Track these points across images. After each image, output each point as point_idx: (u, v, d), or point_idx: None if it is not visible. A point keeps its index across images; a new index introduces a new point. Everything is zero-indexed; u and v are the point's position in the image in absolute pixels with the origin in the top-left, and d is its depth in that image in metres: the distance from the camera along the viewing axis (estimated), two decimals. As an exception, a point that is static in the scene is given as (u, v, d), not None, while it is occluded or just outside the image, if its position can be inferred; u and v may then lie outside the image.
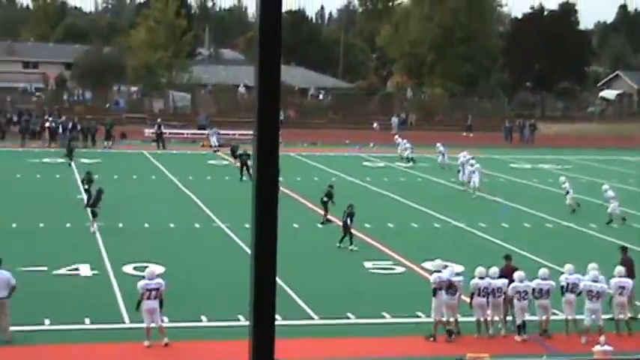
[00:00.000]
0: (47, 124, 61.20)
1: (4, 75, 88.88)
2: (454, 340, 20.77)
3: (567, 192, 39.41)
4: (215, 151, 58.47)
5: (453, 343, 20.68)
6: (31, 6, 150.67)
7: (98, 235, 30.85)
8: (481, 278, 21.37)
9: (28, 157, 53.21)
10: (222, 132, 64.20)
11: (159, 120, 65.38)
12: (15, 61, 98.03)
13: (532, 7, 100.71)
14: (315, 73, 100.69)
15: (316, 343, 20.44)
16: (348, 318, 22.15)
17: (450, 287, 21.09)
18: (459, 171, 46.05)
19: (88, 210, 32.71)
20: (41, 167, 48.72)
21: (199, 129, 69.63)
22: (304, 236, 31.90)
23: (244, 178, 44.56)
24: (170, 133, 65.17)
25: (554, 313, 21.90)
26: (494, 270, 21.80)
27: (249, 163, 44.33)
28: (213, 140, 60.60)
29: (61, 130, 60.02)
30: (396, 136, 61.98)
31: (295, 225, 33.23)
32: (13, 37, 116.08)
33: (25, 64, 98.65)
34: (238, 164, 46.59)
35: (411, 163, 54.51)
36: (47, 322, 20.81)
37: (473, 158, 46.09)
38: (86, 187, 36.14)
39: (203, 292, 24.03)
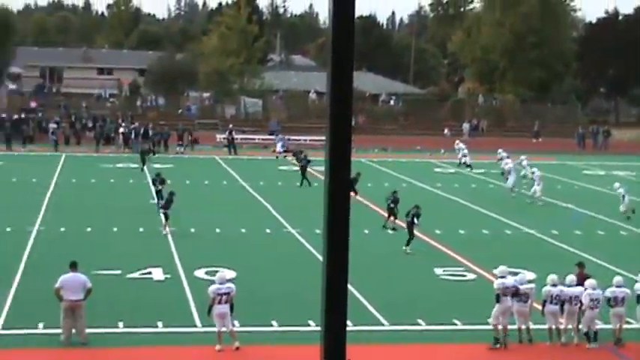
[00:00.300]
0: (121, 130, 62.16)
1: (80, 81, 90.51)
2: (499, 348, 20.53)
3: (623, 196, 38.79)
4: (283, 157, 58.62)
5: (524, 352, 20.47)
6: (106, 13, 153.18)
7: (170, 239, 31.20)
8: (553, 285, 21.12)
9: (102, 162, 54.01)
10: (292, 138, 64.58)
11: (230, 126, 65.83)
12: (90, 67, 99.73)
13: (607, 12, 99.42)
14: (386, 79, 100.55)
15: (387, 349, 20.38)
16: (419, 324, 22.05)
17: (517, 294, 20.90)
18: (504, 173, 46.37)
19: (161, 213, 33.16)
20: (115, 172, 49.40)
21: (270, 134, 69.92)
22: (375, 242, 31.83)
23: (315, 183, 44.73)
24: (241, 139, 65.58)
25: (628, 322, 21.54)
26: (572, 278, 21.54)
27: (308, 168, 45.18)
28: (279, 146, 60.94)
29: (133, 135, 60.93)
30: (457, 141, 61.56)
31: (366, 231, 33.19)
32: (88, 44, 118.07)
33: (100, 70, 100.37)
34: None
35: (467, 170, 54.21)
36: (121, 324, 21.11)
37: (528, 164, 46.28)
38: (159, 187, 36.57)
39: (274, 297, 24.13)
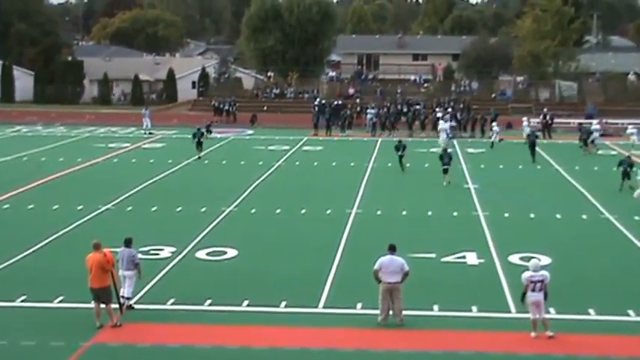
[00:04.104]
0: (438, 115, 62.90)
1: (395, 67, 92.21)
2: None
3: None
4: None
5: None
6: (420, 1, 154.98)
7: (484, 223, 31.12)
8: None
9: (416, 147, 54.63)
10: (609, 121, 62.54)
11: (545, 109, 64.76)
12: (405, 53, 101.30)
13: None
14: None
15: None
16: None
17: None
18: None
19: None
20: (427, 156, 49.83)
21: (587, 118, 68.03)
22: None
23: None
24: (556, 123, 64.14)
25: None
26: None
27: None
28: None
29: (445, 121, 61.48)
30: None
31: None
32: (403, 30, 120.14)
33: (415, 56, 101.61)
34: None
35: None
36: (436, 307, 21.31)
37: None
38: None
39: (591, 285, 23.45)
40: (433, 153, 50.64)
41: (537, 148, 49.51)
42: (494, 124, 58.23)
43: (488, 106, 69.60)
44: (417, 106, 67.67)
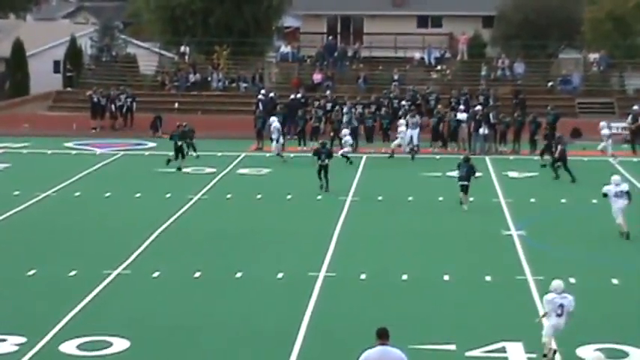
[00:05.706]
0: (459, 116, 63.18)
1: (389, 38, 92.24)
2: None
3: None
4: None
5: None
6: None
7: (536, 296, 31.16)
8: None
9: (421, 168, 54.83)
10: None
11: (635, 107, 64.63)
12: (405, 15, 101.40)
13: None
14: None
15: None
16: None
17: None
18: None
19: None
20: (438, 183, 49.98)
21: None
22: None
23: None
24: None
25: None
26: None
27: None
28: None
29: (473, 126, 61.66)
30: None
31: None
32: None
33: (422, 19, 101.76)
34: None
35: None
36: None
37: None
38: None
39: None
40: (451, 178, 50.81)
41: (622, 169, 49.92)
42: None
43: (542, 101, 69.75)
44: (403, 102, 67.68)
